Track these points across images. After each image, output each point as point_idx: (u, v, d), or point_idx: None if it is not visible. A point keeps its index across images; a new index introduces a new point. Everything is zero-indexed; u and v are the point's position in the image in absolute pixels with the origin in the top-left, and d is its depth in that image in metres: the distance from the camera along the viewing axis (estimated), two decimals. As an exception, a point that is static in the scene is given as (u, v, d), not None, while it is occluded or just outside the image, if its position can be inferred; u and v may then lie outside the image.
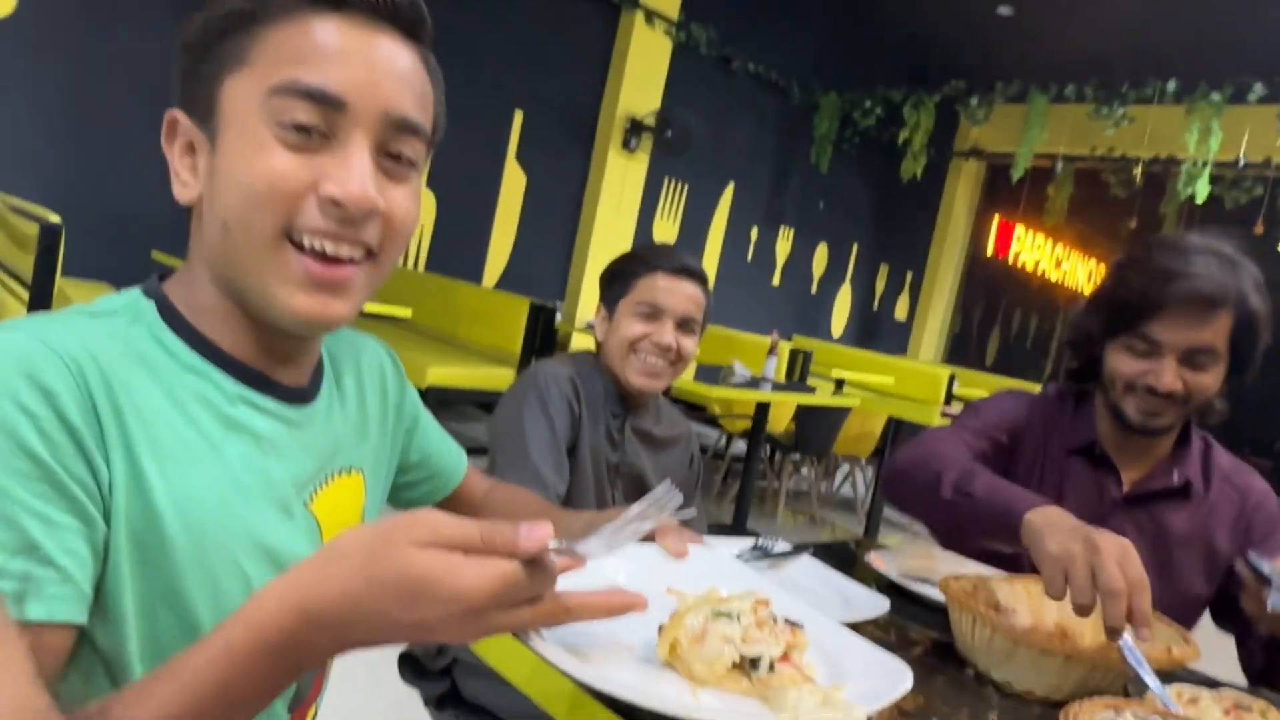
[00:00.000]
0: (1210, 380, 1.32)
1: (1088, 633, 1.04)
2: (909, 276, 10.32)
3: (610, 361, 1.51)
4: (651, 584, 0.76)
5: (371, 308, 4.36)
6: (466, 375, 4.48)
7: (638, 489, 1.55)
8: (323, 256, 0.63)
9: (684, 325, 1.49)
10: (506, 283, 6.43)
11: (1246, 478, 1.44)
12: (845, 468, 6.64)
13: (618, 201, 6.79)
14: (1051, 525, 1.02)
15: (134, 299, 0.67)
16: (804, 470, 6.22)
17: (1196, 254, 1.29)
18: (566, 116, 6.59)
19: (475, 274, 6.32)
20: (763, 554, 1.21)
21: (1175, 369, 1.30)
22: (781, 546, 1.24)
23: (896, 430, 5.20)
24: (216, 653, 0.51)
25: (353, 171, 0.62)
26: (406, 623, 0.51)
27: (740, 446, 5.44)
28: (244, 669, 0.51)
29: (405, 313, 4.47)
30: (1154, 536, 1.39)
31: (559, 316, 4.88)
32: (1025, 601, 1.11)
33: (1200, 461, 1.43)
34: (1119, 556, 0.92)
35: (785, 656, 0.70)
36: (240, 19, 0.63)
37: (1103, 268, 13.12)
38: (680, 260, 1.51)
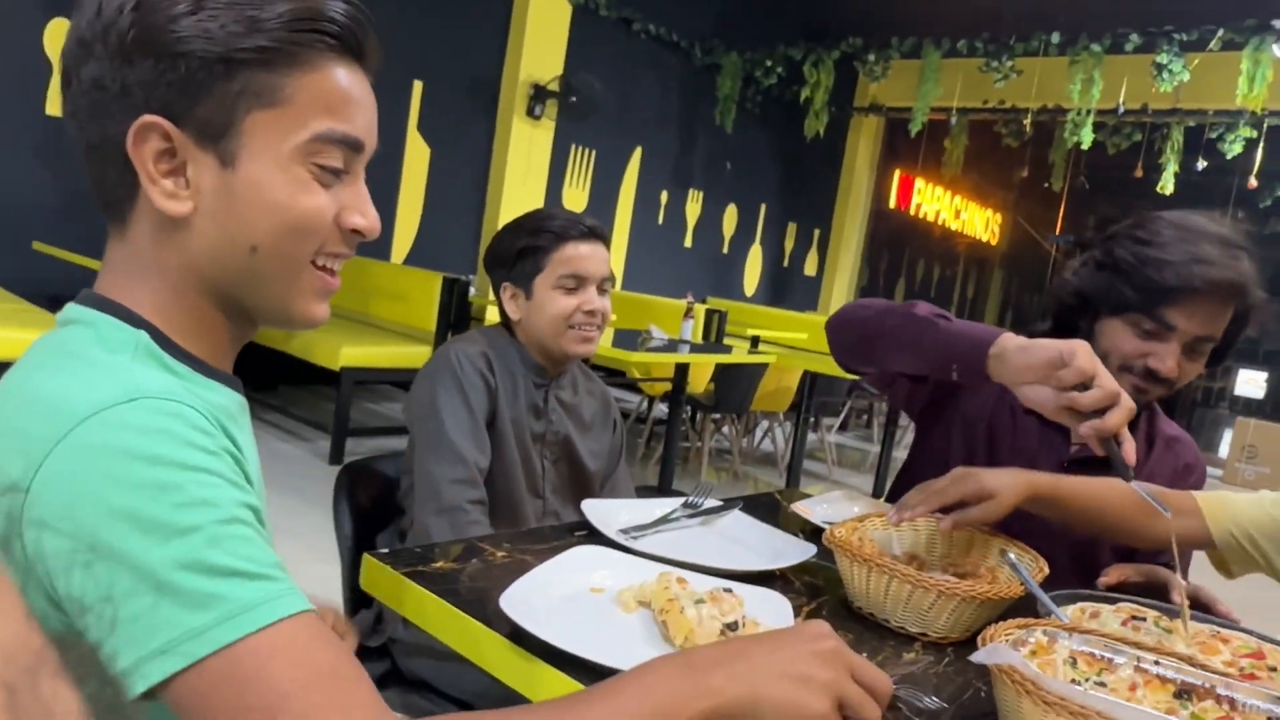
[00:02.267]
0: (1199, 367, 1.34)
1: (969, 570, 1.10)
2: (817, 233, 10.52)
3: (535, 336, 1.51)
4: (578, 582, 0.92)
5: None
6: (381, 355, 4.40)
7: (566, 456, 1.56)
8: (330, 270, 0.73)
9: (602, 287, 1.50)
10: (416, 258, 6.31)
11: (1183, 446, 1.49)
12: (764, 423, 6.79)
13: (525, 170, 6.71)
14: (1037, 340, 1.05)
15: (133, 337, 0.67)
16: (725, 428, 6.33)
17: (1210, 240, 1.26)
18: (468, 85, 6.45)
19: (383, 251, 6.17)
20: (694, 510, 1.24)
21: (1178, 355, 1.28)
22: (711, 502, 1.28)
23: (812, 384, 5.33)
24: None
25: (368, 204, 0.72)
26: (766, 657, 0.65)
27: (662, 409, 5.50)
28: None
29: (314, 294, 4.35)
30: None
31: (473, 290, 4.82)
32: (911, 540, 1.17)
33: (1146, 427, 1.46)
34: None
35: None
36: (273, 57, 0.66)
37: (999, 216, 13.64)
38: (586, 224, 1.51)
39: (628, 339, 4.75)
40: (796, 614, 0.97)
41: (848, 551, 0.97)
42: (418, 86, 6.15)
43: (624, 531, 1.09)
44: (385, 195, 6.14)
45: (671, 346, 4.75)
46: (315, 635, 0.58)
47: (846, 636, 0.93)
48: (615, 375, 6.27)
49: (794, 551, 1.13)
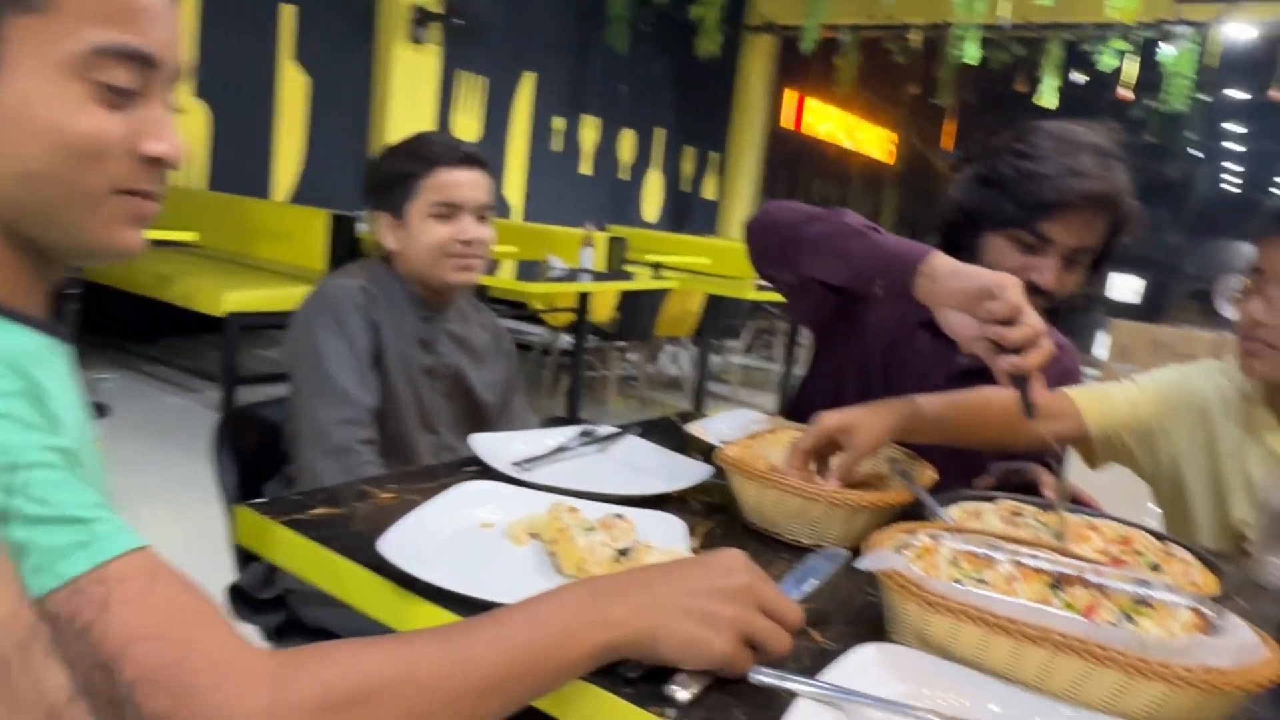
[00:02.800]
0: (1078, 280, 1.36)
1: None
2: (715, 157, 10.50)
3: (414, 267, 1.45)
4: (466, 518, 0.90)
5: (156, 234, 3.97)
6: (268, 298, 4.21)
7: (460, 391, 1.52)
8: (144, 194, 0.66)
9: (481, 215, 1.45)
10: (301, 196, 6.02)
11: (1064, 353, 1.52)
12: (669, 349, 6.84)
13: (411, 99, 6.43)
14: (970, 267, 1.02)
15: None
16: (631, 356, 6.35)
17: (1087, 151, 1.27)
18: (344, 8, 6.10)
19: (263, 188, 5.86)
20: (590, 438, 1.22)
21: (1058, 268, 1.30)
22: (606, 429, 1.26)
23: (714, 308, 5.38)
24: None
25: (168, 128, 0.65)
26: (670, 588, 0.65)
27: (567, 340, 5.47)
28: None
29: (191, 236, 4.10)
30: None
31: (363, 226, 4.64)
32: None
33: None
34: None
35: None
36: None
37: (892, 135, 13.87)
38: (460, 150, 1.44)
39: (528, 271, 4.67)
40: (691, 535, 0.96)
41: (739, 469, 0.97)
42: (288, 12, 5.78)
43: (516, 464, 1.06)
44: (260, 129, 5.80)
45: (572, 276, 4.69)
46: (147, 572, 0.54)
47: (745, 549, 0.94)
48: (518, 308, 6.20)
49: (690, 473, 1.12)
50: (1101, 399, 1.36)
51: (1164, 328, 10.20)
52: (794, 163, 11.97)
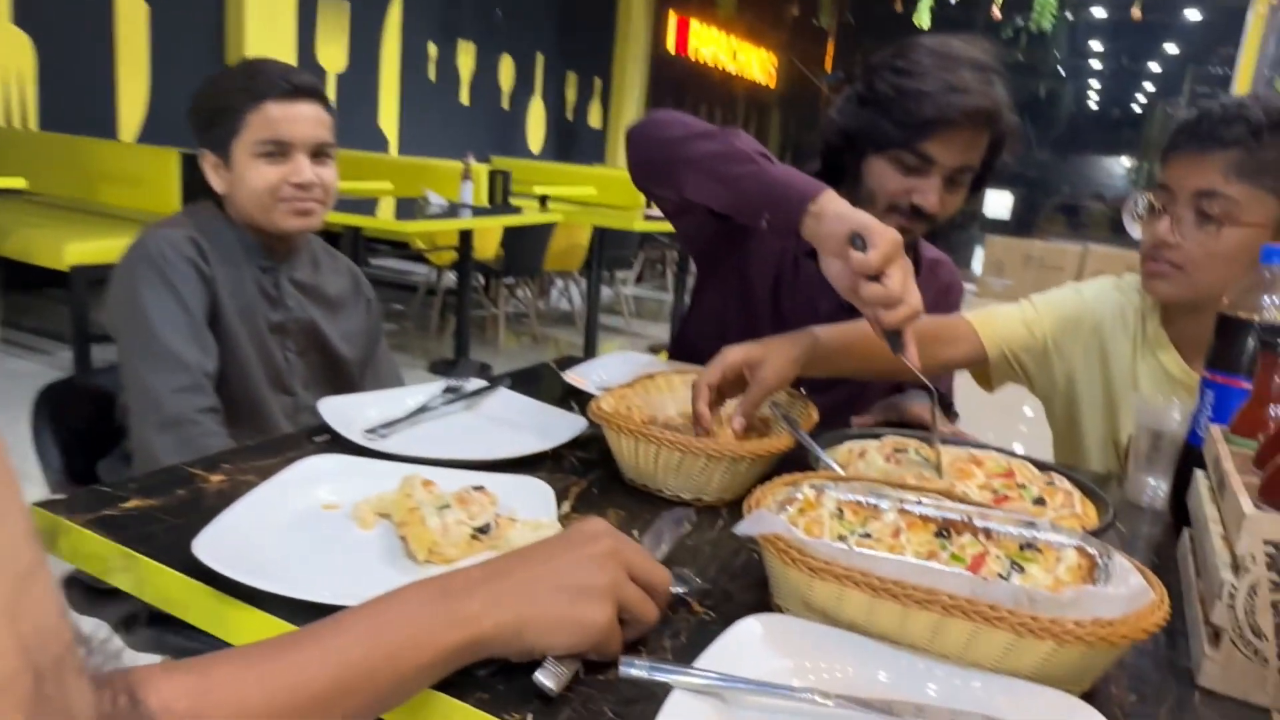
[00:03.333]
0: (960, 200, 1.32)
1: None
2: (598, 83, 10.23)
3: (244, 212, 1.30)
4: (305, 501, 0.80)
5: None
6: (118, 249, 3.87)
7: (315, 346, 1.39)
8: None
9: (318, 154, 1.30)
10: (151, 134, 5.54)
11: (944, 268, 1.54)
12: (559, 283, 6.71)
13: (268, 26, 5.96)
14: (858, 212, 0.96)
15: None
16: (520, 292, 6.20)
17: (967, 66, 1.24)
18: (183, -76, 5.56)
19: (107, 128, 5.37)
20: (456, 395, 1.13)
21: (940, 189, 1.27)
22: (475, 384, 1.17)
23: (602, 240, 5.27)
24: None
25: None
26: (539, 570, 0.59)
27: (452, 279, 5.28)
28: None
29: (18, 183, 3.72)
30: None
31: (220, 166, 4.30)
32: (685, 398, 1.13)
33: (910, 253, 1.45)
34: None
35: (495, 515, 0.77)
36: None
37: (774, 58, 13.80)
38: (290, 80, 1.28)
39: (407, 208, 4.44)
40: (564, 496, 0.89)
41: (613, 423, 0.90)
42: (117, -72, 5.22)
43: (369, 431, 0.96)
44: (99, 61, 5.28)
45: (453, 212, 4.49)
46: None
47: (619, 514, 0.88)
48: (400, 248, 5.94)
49: (565, 427, 1.05)
50: (997, 321, 1.35)
51: (1034, 242, 10.65)
52: (679, 87, 11.79)
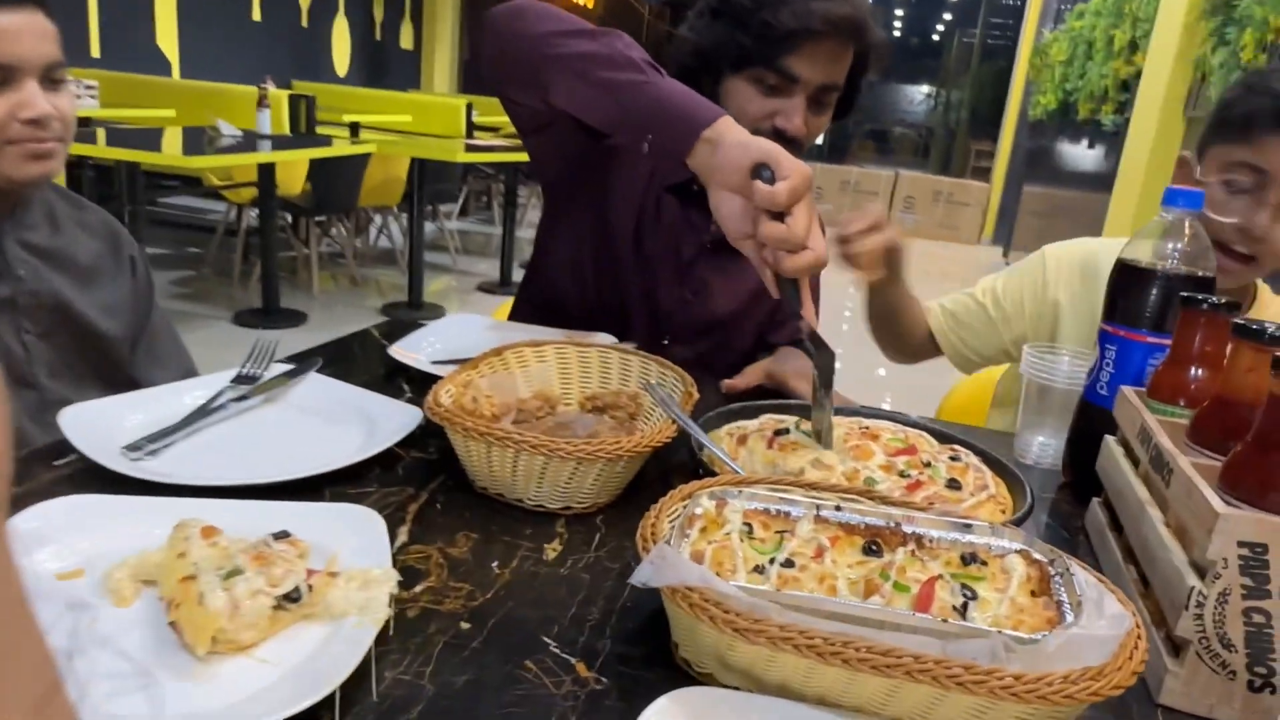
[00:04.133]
0: (825, 120, 1.21)
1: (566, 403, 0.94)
2: (407, 1, 9.52)
3: None
4: (28, 568, 0.50)
5: None
6: None
7: (62, 324, 1.10)
8: None
9: (50, 77, 1.00)
10: None
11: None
12: (378, 219, 6.26)
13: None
14: (760, 140, 0.82)
15: None
16: (335, 230, 5.72)
17: None
18: None
19: None
20: (250, 386, 0.90)
21: (804, 109, 1.16)
22: (277, 369, 0.95)
23: (423, 172, 4.88)
24: None
25: None
26: None
27: (255, 217, 4.77)
28: None
29: None
30: (738, 278, 1.32)
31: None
32: (540, 374, 0.96)
33: None
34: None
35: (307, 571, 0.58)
36: None
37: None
38: None
39: (194, 140, 3.91)
40: (399, 519, 0.71)
41: (458, 425, 0.72)
42: None
43: (131, 448, 0.73)
44: None
45: (249, 143, 4.01)
46: None
47: (471, 538, 0.70)
48: (193, 184, 5.31)
49: (394, 419, 0.86)
50: (963, 331, 1.36)
51: (850, 168, 11.02)
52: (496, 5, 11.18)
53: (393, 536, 0.68)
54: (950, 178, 11.22)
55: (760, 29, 1.12)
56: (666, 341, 1.32)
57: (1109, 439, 0.82)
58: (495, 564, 0.67)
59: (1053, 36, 7.44)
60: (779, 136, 1.15)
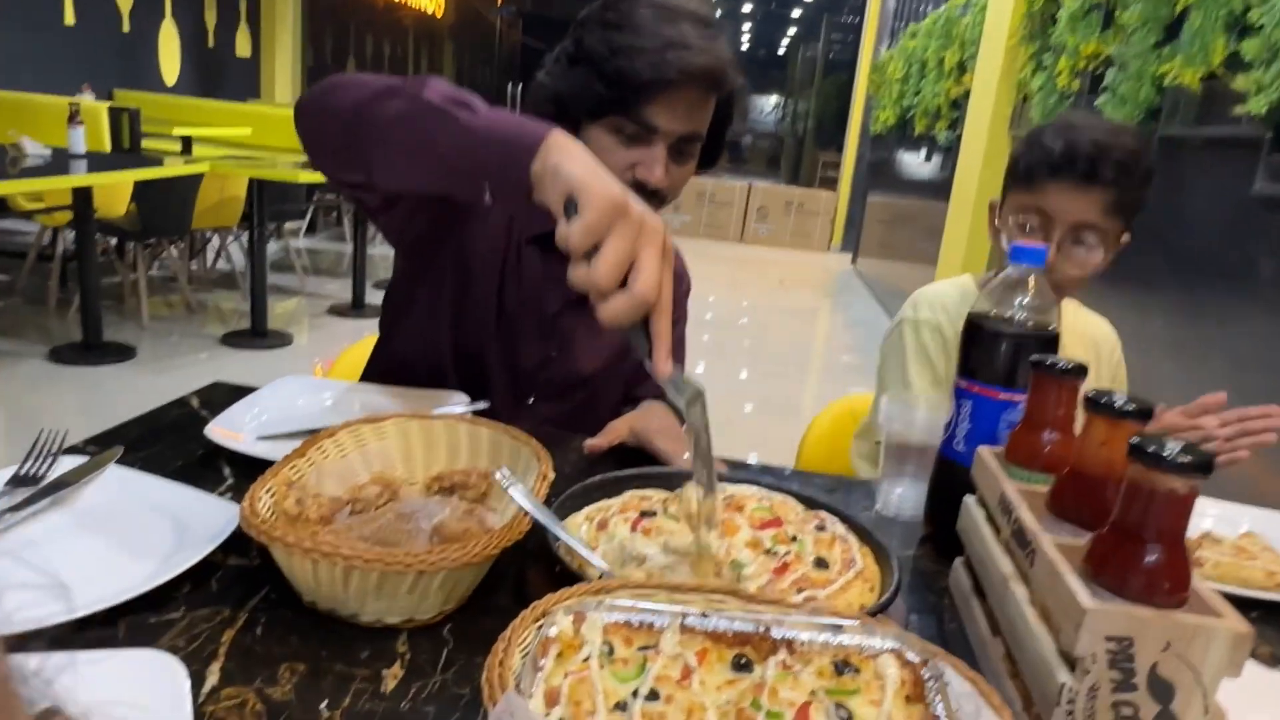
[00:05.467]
0: (688, 172, 1.17)
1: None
2: (243, 5, 9.01)
3: None
4: None
5: None
6: None
7: None
8: None
9: None
10: None
11: (681, 262, 1.36)
12: (216, 239, 5.87)
13: None
14: (588, 160, 0.72)
15: None
16: (167, 253, 5.32)
17: (688, 20, 1.08)
18: None
19: None
20: (32, 490, 0.78)
21: (665, 160, 1.12)
22: (70, 463, 0.82)
23: (262, 188, 4.59)
24: None
25: None
26: None
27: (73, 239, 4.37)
28: None
29: None
30: (598, 328, 1.26)
31: None
32: (380, 451, 0.89)
33: None
34: (663, 252, 0.69)
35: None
36: None
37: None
38: None
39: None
40: (209, 657, 0.62)
41: (277, 541, 0.63)
42: None
43: None
44: None
45: (60, 163, 3.66)
46: None
47: (298, 669, 0.62)
48: (-3, 203, 4.82)
49: (208, 524, 0.75)
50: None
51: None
52: (340, 16, 10.76)
53: (201, 679, 0.59)
54: (800, 187, 11.62)
55: (616, 78, 1.07)
56: (531, 401, 1.26)
57: (969, 500, 0.82)
58: (324, 705, 0.58)
59: (889, 55, 7.81)
60: (640, 189, 1.11)
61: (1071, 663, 0.56)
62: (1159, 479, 0.54)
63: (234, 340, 4.52)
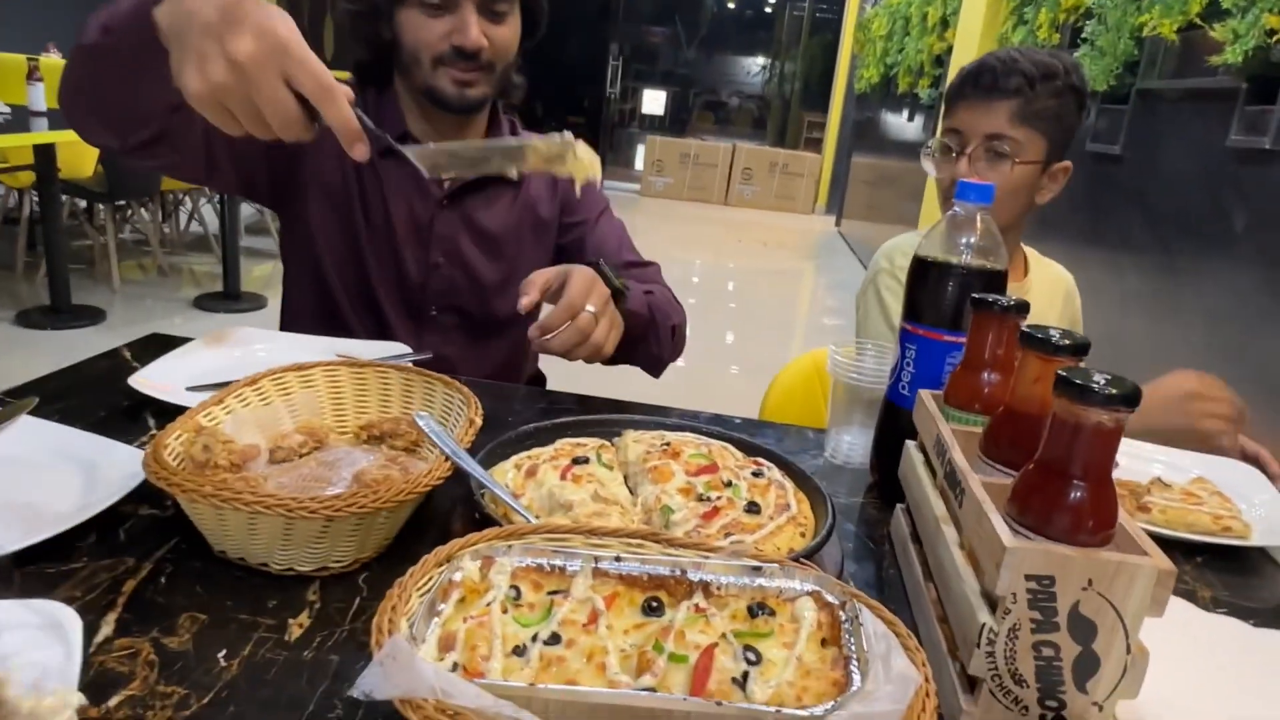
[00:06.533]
0: (509, 33, 1.18)
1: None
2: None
3: None
4: None
5: None
6: None
7: None
8: None
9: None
10: None
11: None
12: (188, 202, 5.77)
13: None
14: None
15: None
16: (137, 215, 5.23)
17: None
18: None
19: None
20: (-60, 438, 0.75)
21: (477, 19, 1.13)
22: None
23: (233, 151, 4.50)
24: None
25: None
26: None
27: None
28: None
29: None
30: (480, 228, 1.29)
31: None
32: (308, 402, 0.86)
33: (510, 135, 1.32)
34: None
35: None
36: None
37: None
38: None
39: (-45, 117, 3.44)
40: (107, 608, 0.59)
41: (180, 487, 0.61)
42: None
43: None
44: None
45: (21, 121, 3.56)
46: None
47: (199, 620, 0.59)
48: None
49: (118, 473, 0.72)
50: None
51: (689, 140, 11.10)
52: None
53: (95, 628, 0.57)
54: (785, 149, 11.52)
55: None
56: (434, 312, 1.28)
57: (909, 445, 0.80)
58: (222, 654, 0.56)
59: (873, 12, 7.70)
60: (462, 55, 1.14)
61: (994, 603, 0.54)
62: (1085, 412, 0.51)
63: (207, 303, 4.45)
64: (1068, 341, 0.61)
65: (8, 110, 3.60)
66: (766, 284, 6.93)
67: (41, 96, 3.74)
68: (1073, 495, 0.53)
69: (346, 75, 1.14)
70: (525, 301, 1.01)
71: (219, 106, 0.64)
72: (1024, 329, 0.63)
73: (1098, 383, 0.51)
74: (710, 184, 10.57)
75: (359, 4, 1.17)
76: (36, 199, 4.22)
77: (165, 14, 0.68)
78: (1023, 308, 0.73)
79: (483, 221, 1.28)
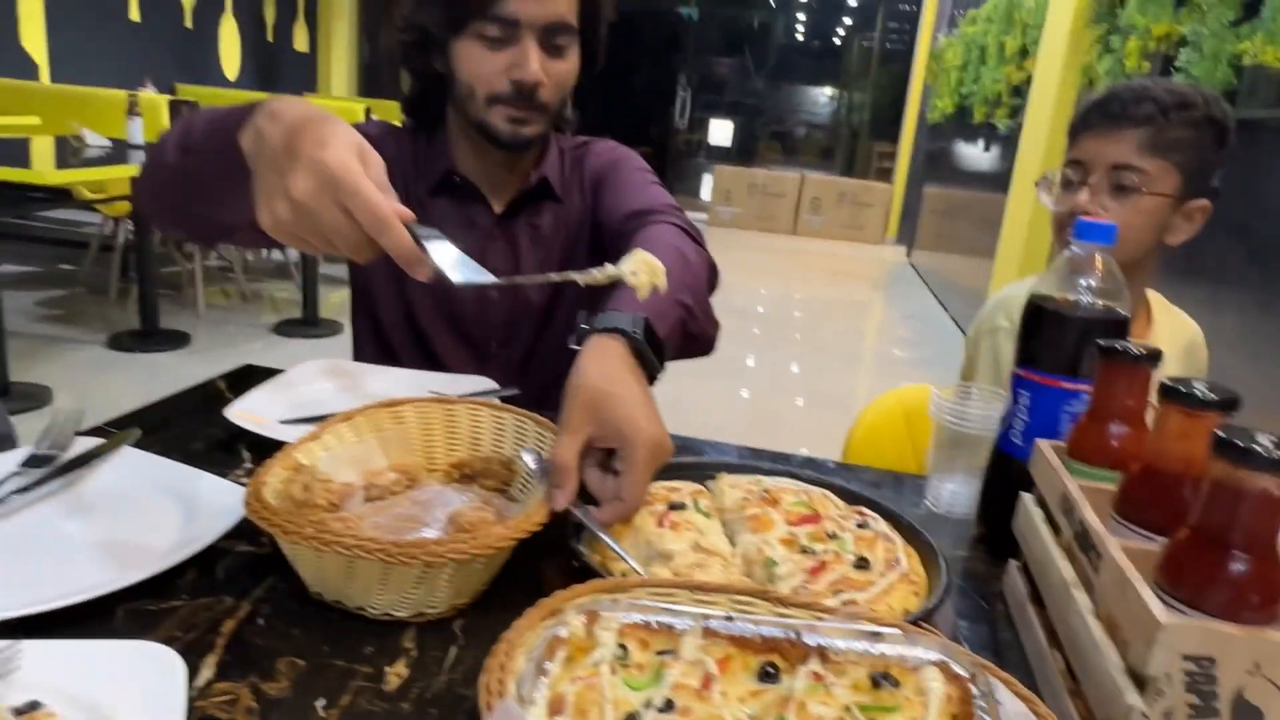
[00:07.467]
0: (568, 70, 1.15)
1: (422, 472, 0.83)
2: (300, 0, 9.15)
3: None
4: None
5: None
6: None
7: None
8: None
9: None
10: None
11: (594, 151, 1.32)
12: (271, 231, 5.95)
13: None
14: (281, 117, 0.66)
15: None
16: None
17: None
18: None
19: None
20: (46, 469, 0.76)
21: (538, 54, 1.10)
22: (80, 446, 0.80)
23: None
24: None
25: None
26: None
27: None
28: None
29: None
30: (531, 240, 1.27)
31: None
32: (400, 439, 0.85)
33: (559, 163, 1.28)
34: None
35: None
36: None
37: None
38: None
39: (65, 151, 3.61)
40: (206, 649, 0.59)
41: (280, 527, 0.60)
42: None
43: None
44: None
45: (119, 154, 3.73)
46: None
47: (298, 666, 0.58)
48: (62, 196, 4.94)
49: (217, 509, 0.72)
50: None
51: (756, 170, 11.08)
52: (397, 6, 10.86)
53: (196, 671, 0.56)
54: (854, 179, 11.42)
55: None
56: (494, 347, 1.27)
57: (1026, 498, 0.75)
58: (321, 703, 0.55)
59: (947, 42, 7.60)
60: (521, 94, 1.11)
61: (1141, 683, 0.50)
62: (1248, 477, 0.47)
63: (286, 329, 4.57)
64: (1215, 396, 0.57)
65: (108, 144, 3.77)
66: (836, 314, 6.84)
67: (140, 131, 3.91)
68: (1234, 567, 0.48)
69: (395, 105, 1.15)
70: (561, 502, 0.92)
71: (292, 236, 0.65)
72: (1164, 383, 0.59)
73: (1263, 445, 0.47)
74: (778, 214, 10.52)
75: (411, 34, 1.16)
76: (131, 228, 4.40)
77: (248, 141, 0.69)
78: (1155, 356, 0.68)
79: (532, 246, 1.27)
